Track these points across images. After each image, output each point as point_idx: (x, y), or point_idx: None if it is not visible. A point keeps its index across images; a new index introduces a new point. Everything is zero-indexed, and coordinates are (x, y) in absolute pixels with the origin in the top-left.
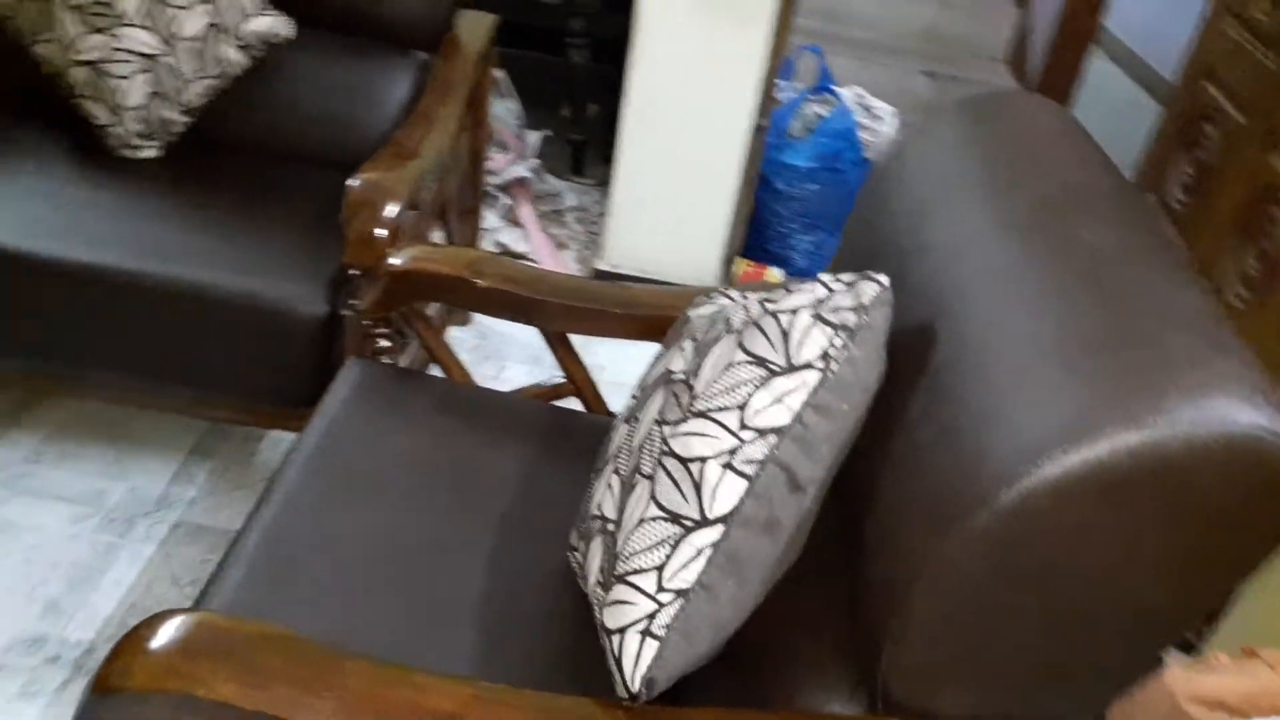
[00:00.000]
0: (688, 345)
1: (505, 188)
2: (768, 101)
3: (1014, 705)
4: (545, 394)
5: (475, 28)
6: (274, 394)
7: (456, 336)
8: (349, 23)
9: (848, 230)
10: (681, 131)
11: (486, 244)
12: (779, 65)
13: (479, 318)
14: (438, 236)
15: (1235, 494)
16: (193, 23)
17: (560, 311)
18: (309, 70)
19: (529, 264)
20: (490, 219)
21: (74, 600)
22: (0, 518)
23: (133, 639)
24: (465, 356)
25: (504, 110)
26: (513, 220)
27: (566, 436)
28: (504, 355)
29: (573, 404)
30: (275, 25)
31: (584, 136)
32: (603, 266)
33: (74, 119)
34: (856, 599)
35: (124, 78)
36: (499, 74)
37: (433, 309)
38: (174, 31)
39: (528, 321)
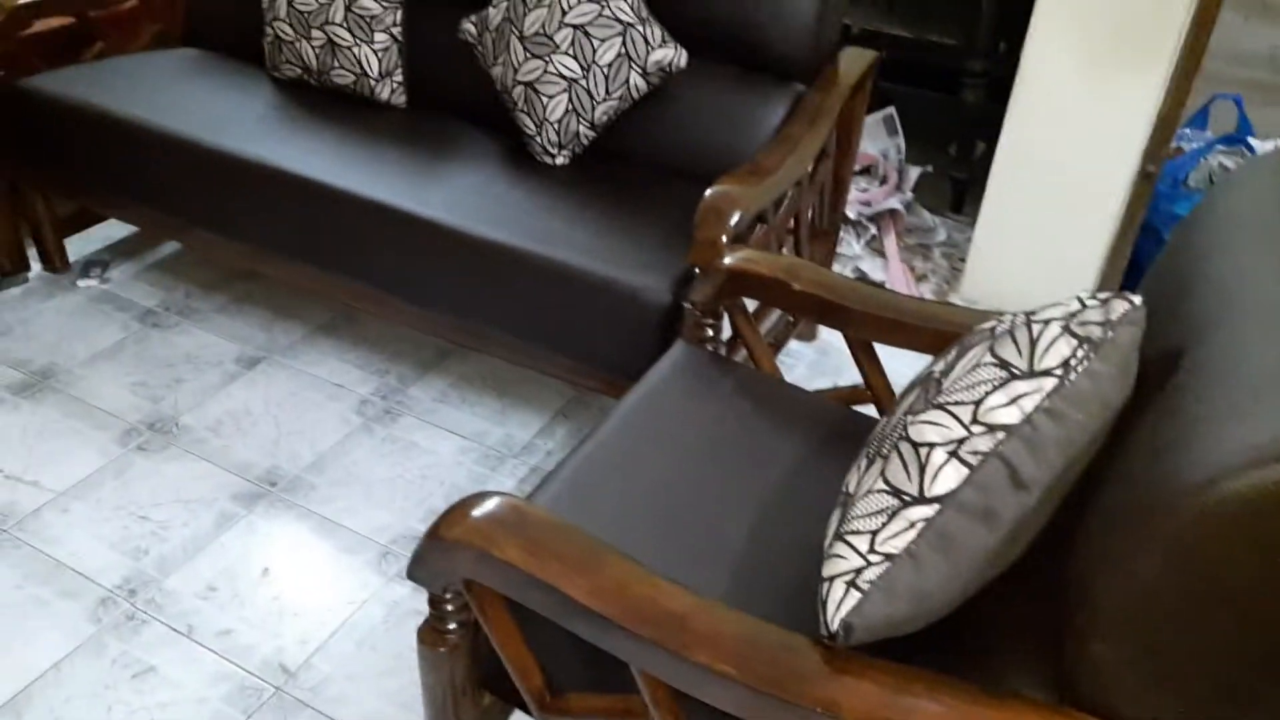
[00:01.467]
0: (954, 350)
1: (876, 218)
2: (1158, 149)
3: None
4: (843, 396)
5: (854, 63)
6: (622, 368)
7: (796, 350)
8: (737, 55)
9: (1156, 260)
10: (1056, 172)
11: (844, 268)
12: (1179, 113)
13: (824, 336)
14: (787, 252)
15: None
16: (608, 52)
17: (865, 319)
18: (696, 96)
19: (846, 279)
20: (854, 246)
21: None
22: (409, 439)
23: (461, 506)
24: (802, 370)
25: (888, 144)
26: (876, 249)
27: (852, 435)
28: (839, 373)
29: (869, 410)
30: (673, 56)
31: (967, 175)
32: (957, 301)
33: (509, 128)
34: (1055, 597)
35: (551, 96)
36: (888, 110)
37: (773, 319)
38: (593, 59)
39: (835, 326)
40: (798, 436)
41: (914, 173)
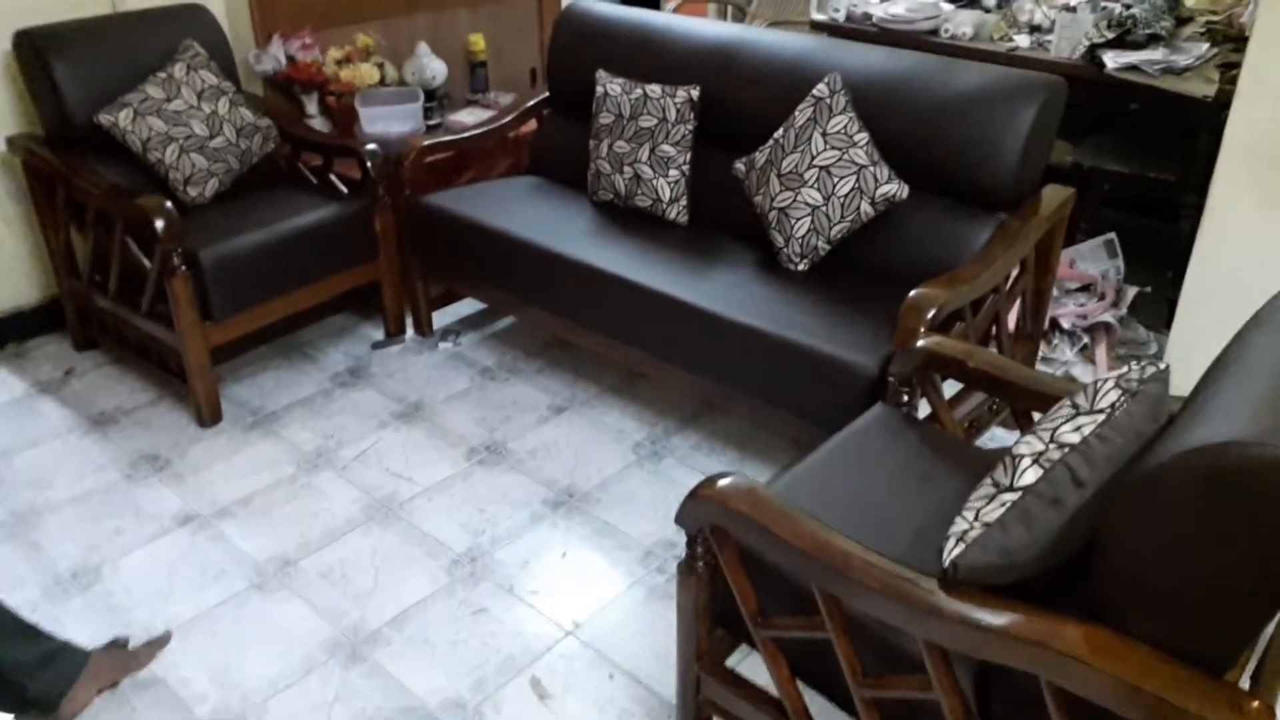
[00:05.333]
0: (1059, 402)
1: (1090, 330)
2: None
3: (1183, 636)
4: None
5: (1054, 198)
6: (833, 424)
7: (999, 435)
8: (950, 188)
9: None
10: (1239, 297)
11: (1056, 371)
12: None
13: None
14: (990, 349)
15: None
16: (845, 187)
17: (1024, 393)
18: (913, 221)
19: (1007, 359)
20: (1067, 353)
21: None
22: (670, 475)
23: (710, 479)
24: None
25: (1108, 265)
26: (1088, 358)
27: None
28: None
29: None
30: (897, 190)
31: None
32: None
33: (763, 242)
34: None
35: (798, 219)
36: (1109, 235)
37: (972, 405)
38: (833, 192)
39: (1001, 397)
40: (962, 472)
41: (1131, 292)
